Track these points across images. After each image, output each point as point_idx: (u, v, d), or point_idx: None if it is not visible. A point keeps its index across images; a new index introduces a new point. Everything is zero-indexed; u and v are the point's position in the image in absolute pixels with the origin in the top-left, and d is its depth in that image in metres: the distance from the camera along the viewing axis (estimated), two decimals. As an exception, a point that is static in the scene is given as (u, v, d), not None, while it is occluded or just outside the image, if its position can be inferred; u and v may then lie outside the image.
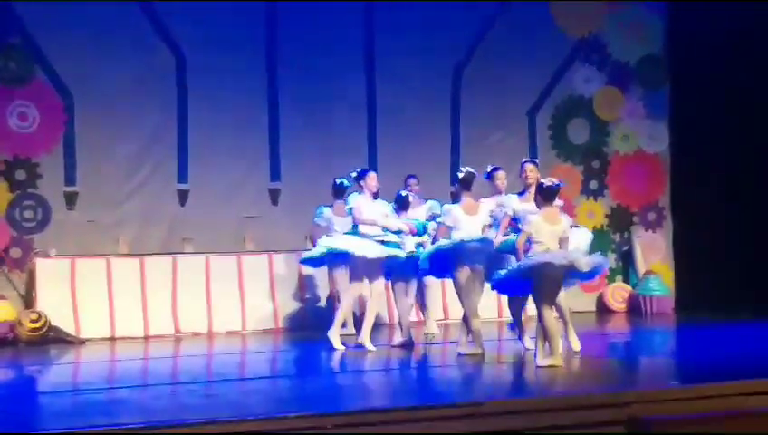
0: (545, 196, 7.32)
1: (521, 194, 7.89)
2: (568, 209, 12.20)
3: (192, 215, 10.95)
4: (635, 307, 11.84)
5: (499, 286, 7.45)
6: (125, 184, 10.83)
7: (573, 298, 11.29)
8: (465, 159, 11.45)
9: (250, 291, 10.49)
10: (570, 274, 7.23)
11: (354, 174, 8.80)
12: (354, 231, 8.65)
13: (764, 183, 11.60)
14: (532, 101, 12.29)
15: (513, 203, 7.73)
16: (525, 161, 8.06)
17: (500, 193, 8.09)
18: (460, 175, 8.13)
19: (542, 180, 7.41)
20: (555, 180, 7.37)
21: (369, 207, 8.54)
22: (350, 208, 8.60)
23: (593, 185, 12.54)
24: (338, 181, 9.62)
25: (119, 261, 10.19)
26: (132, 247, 10.56)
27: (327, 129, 11.38)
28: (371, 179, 8.68)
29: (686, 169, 12.37)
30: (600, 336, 10.13)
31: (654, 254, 12.44)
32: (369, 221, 8.46)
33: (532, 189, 7.61)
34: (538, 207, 7.38)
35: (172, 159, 11.00)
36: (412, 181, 9.62)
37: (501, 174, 8.11)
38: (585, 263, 7.18)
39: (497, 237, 7.75)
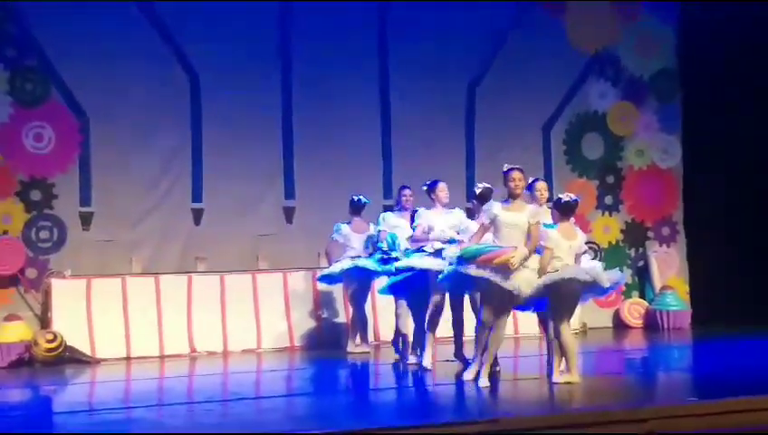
0: (563, 211, 7.34)
1: (505, 202, 7.60)
2: (583, 225, 12.33)
3: (206, 234, 11.01)
4: (652, 323, 11.82)
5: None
6: (140, 203, 10.89)
7: (590, 314, 11.38)
8: (479, 175, 11.52)
9: (265, 309, 10.52)
10: (588, 289, 7.24)
11: (424, 187, 8.71)
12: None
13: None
14: (546, 116, 12.32)
15: (495, 210, 7.38)
16: (536, 179, 8.00)
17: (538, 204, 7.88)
18: (477, 190, 8.14)
19: (560, 195, 7.43)
20: (573, 195, 7.40)
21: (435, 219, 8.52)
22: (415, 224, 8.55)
23: (608, 200, 12.55)
24: (356, 198, 9.71)
25: (134, 280, 10.25)
26: (147, 267, 10.62)
27: (341, 146, 11.42)
28: (441, 191, 8.64)
29: (698, 183, 12.39)
30: (616, 352, 10.11)
31: (669, 269, 12.43)
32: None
33: (519, 200, 7.44)
34: (555, 222, 7.39)
35: (187, 179, 11.06)
36: (407, 192, 9.56)
37: (541, 185, 7.89)
38: (606, 279, 7.19)
39: (470, 242, 7.47)
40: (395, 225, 9.06)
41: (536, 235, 7.20)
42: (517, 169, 7.41)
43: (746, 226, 11.83)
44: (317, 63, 11.35)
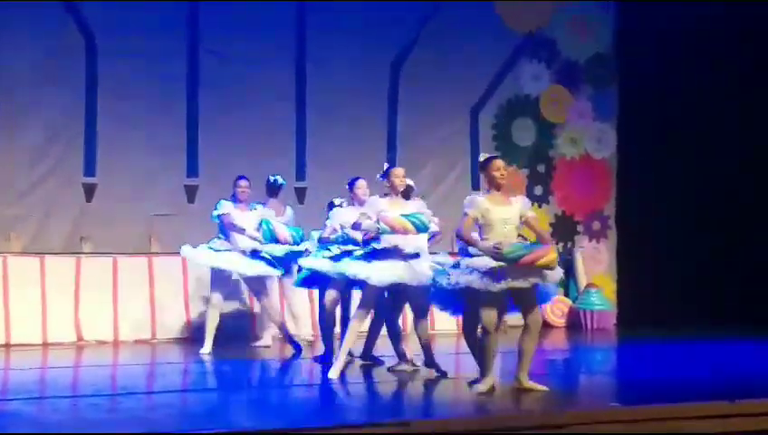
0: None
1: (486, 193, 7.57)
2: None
3: (99, 211, 10.88)
4: (575, 322, 12.07)
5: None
6: (24, 175, 10.71)
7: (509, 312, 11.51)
8: (402, 158, 11.60)
9: (161, 296, 10.47)
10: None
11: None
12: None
13: (714, 194, 11.91)
14: (475, 98, 12.44)
15: (484, 204, 7.13)
16: (390, 166, 8.03)
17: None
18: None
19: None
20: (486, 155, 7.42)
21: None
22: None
23: (538, 190, 12.74)
24: (272, 178, 9.71)
25: (15, 260, 10.08)
26: (31, 245, 10.45)
27: (251, 121, 11.38)
28: (359, 188, 8.75)
29: (632, 175, 12.67)
30: (537, 353, 10.29)
31: (597, 265, 12.69)
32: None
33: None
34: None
35: (79, 150, 10.90)
36: (242, 183, 9.60)
37: (398, 171, 8.01)
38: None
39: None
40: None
41: (538, 227, 7.20)
42: (499, 157, 7.34)
43: (681, 223, 12.13)
44: (227, 29, 11.28)
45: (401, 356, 8.24)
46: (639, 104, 12.59)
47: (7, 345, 9.81)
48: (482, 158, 7.34)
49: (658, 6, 11.98)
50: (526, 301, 7.05)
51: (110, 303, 10.28)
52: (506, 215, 7.06)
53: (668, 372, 8.32)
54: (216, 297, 9.49)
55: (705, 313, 11.44)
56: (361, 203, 8.49)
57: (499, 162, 7.19)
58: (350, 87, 11.70)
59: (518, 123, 12.65)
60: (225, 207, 9.45)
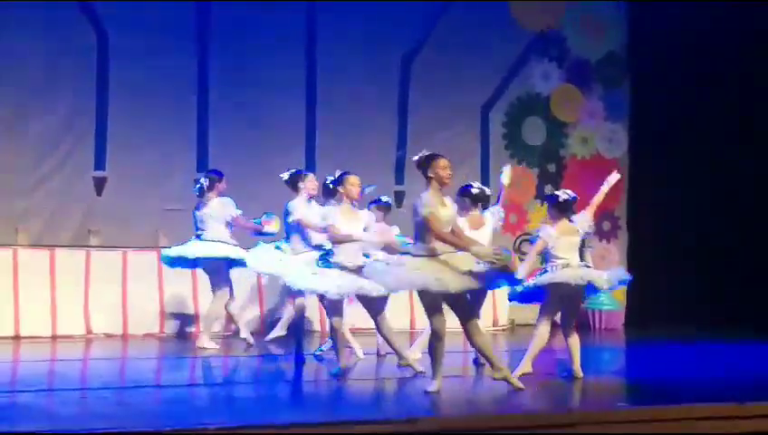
0: (561, 209, 7.66)
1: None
2: (521, 215, 12.53)
3: (109, 205, 10.91)
4: (583, 322, 12.06)
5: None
6: (36, 168, 10.75)
7: (519, 311, 11.54)
8: (412, 155, 11.56)
9: (169, 291, 10.49)
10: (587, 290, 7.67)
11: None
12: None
13: (726, 194, 11.89)
14: (486, 96, 12.43)
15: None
16: (345, 173, 7.89)
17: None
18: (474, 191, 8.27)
19: (557, 192, 7.64)
20: (571, 193, 7.63)
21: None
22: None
23: (548, 190, 12.72)
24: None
25: (25, 253, 10.12)
26: (41, 239, 10.49)
27: (261, 119, 11.41)
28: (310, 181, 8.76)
29: (643, 176, 12.64)
30: (545, 353, 10.30)
31: (606, 266, 12.66)
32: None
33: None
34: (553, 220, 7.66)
35: (89, 143, 10.93)
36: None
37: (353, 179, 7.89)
38: (605, 280, 7.60)
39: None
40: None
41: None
42: (443, 156, 7.07)
43: (691, 224, 12.11)
44: (238, 28, 11.30)
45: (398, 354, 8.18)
46: (651, 104, 12.57)
47: (17, 337, 9.85)
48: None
49: (670, 6, 11.96)
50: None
51: (119, 296, 10.31)
52: (449, 215, 6.91)
53: (677, 373, 8.32)
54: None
55: (715, 313, 11.42)
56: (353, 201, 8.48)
57: (444, 161, 6.94)
58: (360, 84, 11.71)
59: (529, 122, 12.64)
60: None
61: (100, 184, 10.99)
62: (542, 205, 12.63)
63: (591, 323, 11.98)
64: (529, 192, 12.49)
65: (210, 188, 9.44)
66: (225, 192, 9.47)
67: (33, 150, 10.77)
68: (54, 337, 10.00)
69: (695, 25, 11.96)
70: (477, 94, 12.39)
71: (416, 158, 7.04)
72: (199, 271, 9.87)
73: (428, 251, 6.76)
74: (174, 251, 9.41)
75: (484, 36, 12.09)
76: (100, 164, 10.99)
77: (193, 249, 9.31)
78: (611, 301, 12.16)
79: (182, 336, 10.41)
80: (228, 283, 9.41)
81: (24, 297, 9.97)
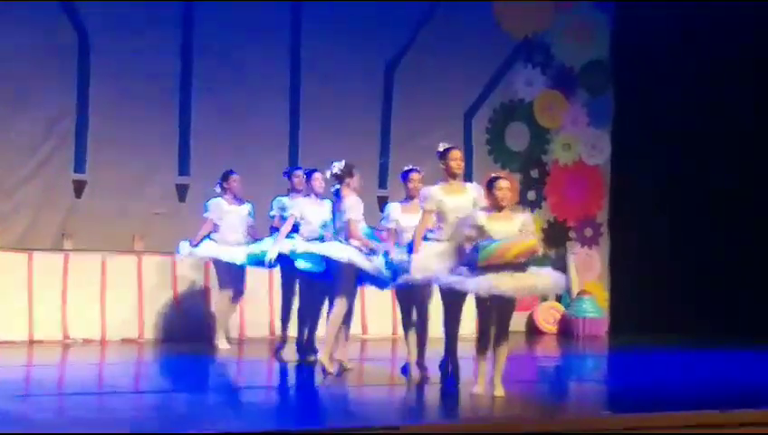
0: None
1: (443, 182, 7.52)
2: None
3: (88, 208, 10.82)
4: (566, 329, 12.05)
5: None
6: (15, 171, 10.65)
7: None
8: (395, 161, 11.59)
9: (150, 295, 10.40)
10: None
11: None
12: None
13: (708, 202, 11.91)
14: (470, 102, 12.43)
15: (438, 195, 7.33)
16: (411, 169, 7.91)
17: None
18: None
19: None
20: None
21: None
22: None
23: (531, 196, 12.72)
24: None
25: (4, 256, 10.01)
26: (19, 241, 10.39)
27: (245, 122, 11.35)
28: (316, 180, 8.78)
29: (625, 183, 12.66)
30: (528, 359, 10.29)
31: (588, 272, 12.68)
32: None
33: (458, 180, 7.49)
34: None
35: (70, 146, 10.85)
36: (235, 177, 9.80)
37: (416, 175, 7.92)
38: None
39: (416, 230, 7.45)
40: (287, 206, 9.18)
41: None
42: (455, 147, 7.47)
43: (673, 231, 12.13)
44: (221, 30, 11.25)
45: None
46: (634, 111, 12.58)
47: (-7, 342, 9.75)
48: (440, 147, 7.50)
49: (655, 13, 11.98)
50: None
51: (97, 301, 10.21)
52: (458, 204, 7.19)
53: (659, 380, 8.31)
54: None
55: (697, 321, 11.42)
56: (318, 194, 8.68)
57: (457, 152, 7.35)
58: (344, 89, 11.69)
59: (512, 128, 12.64)
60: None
61: (79, 187, 10.90)
62: (525, 211, 12.63)
63: (575, 330, 11.96)
64: (512, 198, 12.41)
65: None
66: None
67: (13, 153, 10.66)
68: (31, 342, 9.89)
69: (678, 34, 11.98)
70: (461, 100, 12.38)
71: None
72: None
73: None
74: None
75: (469, 42, 12.09)
76: (80, 167, 10.89)
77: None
78: (595, 308, 12.15)
79: (162, 341, 10.31)
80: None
81: (1, 301, 9.86)
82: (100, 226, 10.71)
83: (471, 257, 6.82)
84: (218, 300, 9.85)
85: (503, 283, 6.74)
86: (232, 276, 9.70)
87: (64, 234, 10.64)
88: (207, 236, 9.67)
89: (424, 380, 7.65)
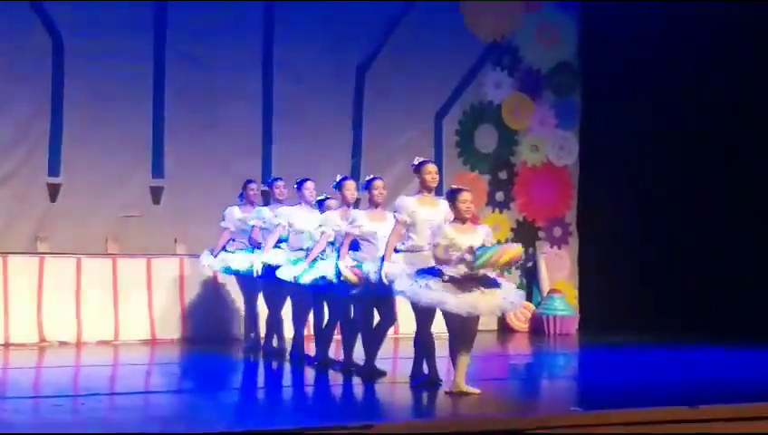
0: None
1: (418, 194, 7.67)
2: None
3: (63, 211, 10.76)
4: (538, 327, 12.10)
5: None
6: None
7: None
8: (366, 162, 11.60)
9: (125, 298, 10.36)
10: None
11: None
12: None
13: (673, 202, 11.99)
14: (439, 104, 12.45)
15: (411, 205, 7.43)
16: (373, 178, 7.97)
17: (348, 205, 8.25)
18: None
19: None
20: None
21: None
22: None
23: (499, 196, 12.77)
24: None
25: (-23, 260, 9.95)
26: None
27: (218, 124, 11.32)
28: (307, 189, 8.80)
29: (593, 183, 12.73)
30: (500, 357, 10.33)
31: (558, 271, 12.75)
32: None
33: (432, 193, 7.56)
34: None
35: (44, 150, 10.77)
36: (253, 186, 9.70)
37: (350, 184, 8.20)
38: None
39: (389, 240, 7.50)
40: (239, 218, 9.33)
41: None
42: (430, 161, 7.68)
43: (641, 230, 12.20)
44: (195, 32, 11.21)
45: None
46: (602, 112, 12.65)
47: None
48: (416, 161, 7.61)
49: (623, 14, 12.04)
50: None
51: (72, 303, 10.15)
52: (431, 217, 7.30)
53: (629, 377, 8.36)
54: None
55: (665, 318, 11.49)
56: (309, 203, 8.68)
57: (431, 166, 7.54)
58: (316, 90, 11.68)
59: (481, 129, 12.68)
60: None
61: (54, 190, 10.82)
62: (494, 212, 12.71)
63: (546, 328, 12.01)
64: (480, 199, 12.50)
65: None
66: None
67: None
68: (7, 344, 9.82)
69: (646, 36, 12.05)
70: (431, 102, 12.40)
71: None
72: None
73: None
74: None
75: (439, 45, 12.11)
76: (54, 170, 10.82)
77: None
78: (566, 306, 12.21)
79: (137, 343, 10.27)
80: None
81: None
82: (74, 228, 10.65)
83: (444, 268, 6.93)
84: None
85: (480, 302, 6.87)
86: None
87: (39, 237, 10.57)
88: (224, 248, 9.45)
89: (379, 375, 7.73)
